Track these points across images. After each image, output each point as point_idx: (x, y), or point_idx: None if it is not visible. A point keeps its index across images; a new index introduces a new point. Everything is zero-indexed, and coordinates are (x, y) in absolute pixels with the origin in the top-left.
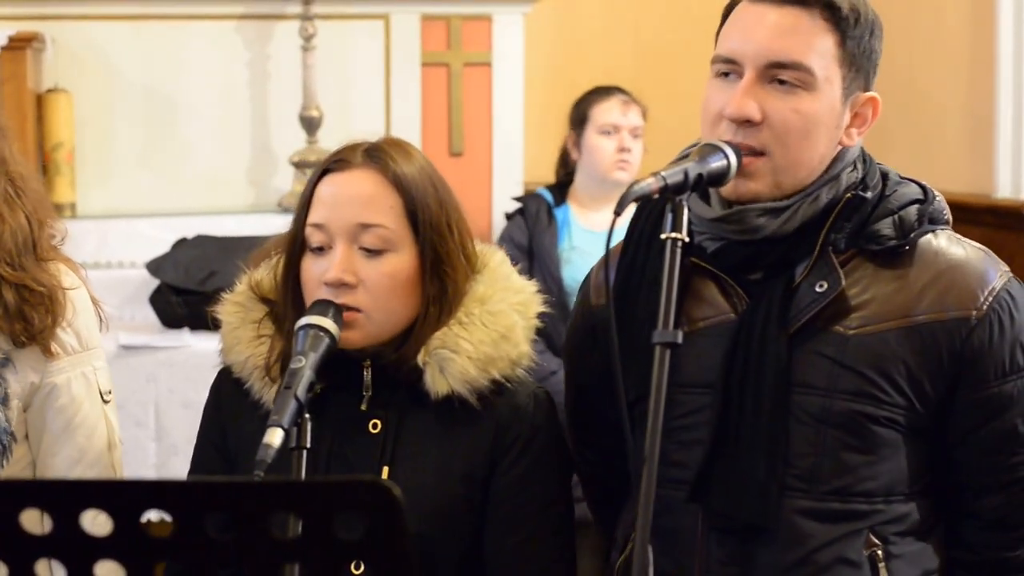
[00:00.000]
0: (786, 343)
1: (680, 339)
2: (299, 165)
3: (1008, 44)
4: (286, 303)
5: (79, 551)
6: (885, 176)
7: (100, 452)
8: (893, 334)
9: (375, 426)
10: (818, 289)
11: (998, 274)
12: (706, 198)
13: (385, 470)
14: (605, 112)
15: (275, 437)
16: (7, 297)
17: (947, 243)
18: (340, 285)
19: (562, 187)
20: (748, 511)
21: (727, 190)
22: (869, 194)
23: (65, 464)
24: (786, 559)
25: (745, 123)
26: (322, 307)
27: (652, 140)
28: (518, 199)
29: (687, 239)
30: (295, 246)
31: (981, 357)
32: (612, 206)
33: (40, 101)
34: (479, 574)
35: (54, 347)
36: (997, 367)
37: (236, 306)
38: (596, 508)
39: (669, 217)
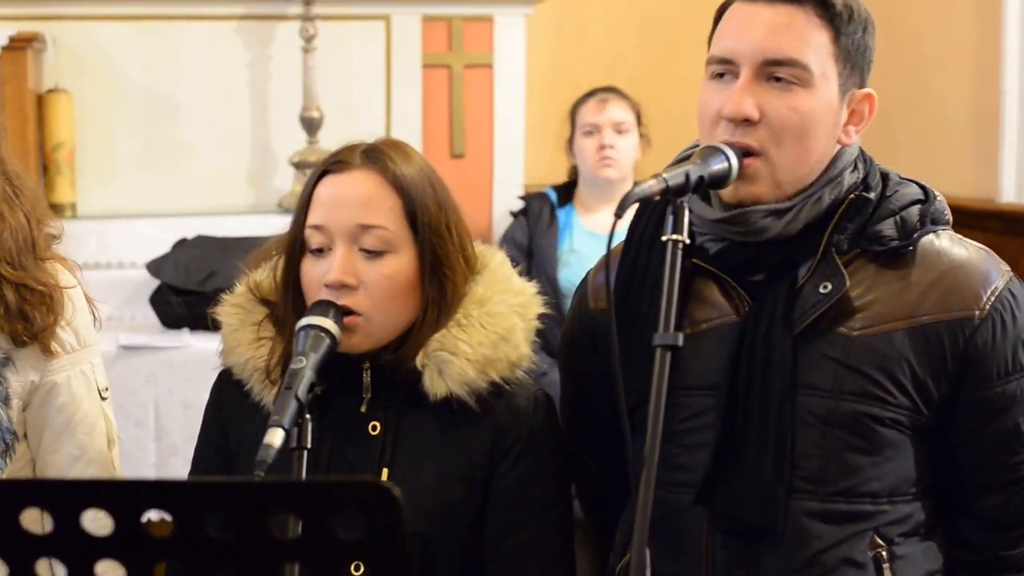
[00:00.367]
0: (791, 345)
1: (681, 341)
2: (299, 166)
3: (1014, 49)
4: (286, 305)
5: (80, 550)
6: (885, 177)
7: (100, 448)
8: (897, 335)
9: (374, 428)
10: (822, 290)
11: (1000, 274)
12: (707, 199)
13: (385, 471)
14: (584, 113)
15: (276, 437)
16: (8, 297)
17: (949, 243)
18: (341, 287)
19: (568, 188)
20: (755, 513)
21: (728, 194)
22: (871, 195)
23: (66, 461)
24: (792, 561)
25: (743, 122)
26: (323, 308)
27: (653, 140)
28: (523, 198)
29: (688, 241)
30: (294, 248)
31: (984, 356)
32: (611, 206)
33: (41, 101)
34: (478, 575)
35: (54, 346)
36: (1000, 366)
37: (236, 308)
38: (592, 513)
39: (670, 219)
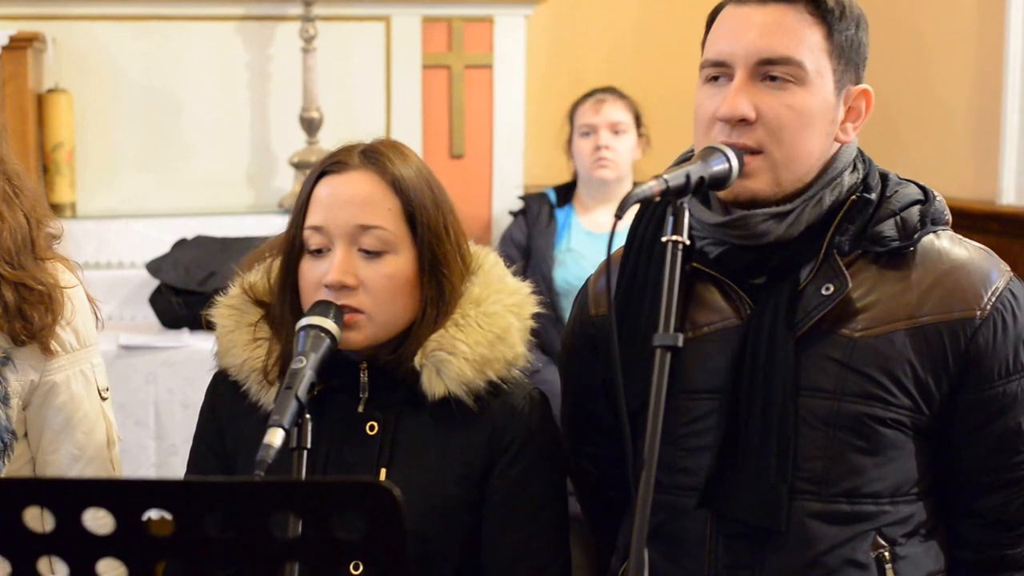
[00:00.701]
0: (793, 347)
1: (681, 342)
2: (299, 166)
3: (1017, 52)
4: (283, 306)
5: (81, 549)
6: (885, 177)
7: (99, 448)
8: (899, 335)
9: (372, 428)
10: (824, 292)
11: (1000, 273)
12: (706, 203)
13: (383, 472)
14: (581, 114)
15: (276, 437)
16: (7, 296)
17: (949, 244)
18: (341, 287)
19: (569, 188)
20: (758, 515)
21: (725, 191)
22: (872, 195)
23: (65, 461)
24: (795, 562)
25: (739, 122)
26: (323, 308)
27: (652, 141)
28: (523, 198)
29: (688, 242)
30: (293, 248)
31: (985, 356)
32: (610, 207)
33: (41, 101)
34: (476, 574)
35: (53, 345)
36: (1000, 366)
37: (231, 309)
38: (594, 517)
39: (670, 220)
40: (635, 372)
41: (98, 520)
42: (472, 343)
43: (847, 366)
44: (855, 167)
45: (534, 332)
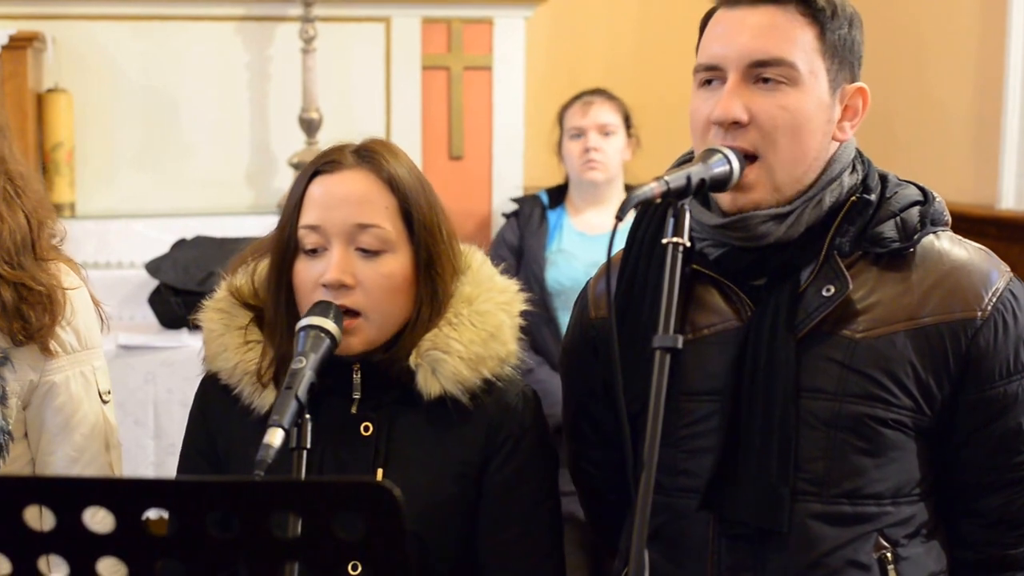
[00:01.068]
0: (794, 348)
1: (680, 344)
2: (298, 167)
3: (1017, 56)
4: (277, 306)
5: (82, 548)
6: (884, 178)
7: (97, 451)
8: (899, 336)
9: (366, 428)
10: (825, 293)
11: (1000, 274)
12: (706, 205)
13: (379, 472)
14: (569, 117)
15: (275, 437)
16: (5, 296)
17: (949, 244)
18: (339, 286)
19: (561, 190)
20: (760, 516)
21: (727, 204)
22: (872, 197)
23: (63, 463)
24: (797, 564)
25: (733, 125)
26: (323, 308)
27: (651, 145)
28: (515, 200)
29: (688, 244)
30: (287, 249)
31: (986, 357)
32: (601, 208)
33: (40, 101)
34: (472, 570)
35: (53, 346)
36: (1001, 367)
37: (219, 313)
38: (595, 519)
39: (670, 221)
40: (636, 374)
41: (96, 519)
42: (466, 342)
43: (848, 367)
44: (854, 168)
45: (525, 331)
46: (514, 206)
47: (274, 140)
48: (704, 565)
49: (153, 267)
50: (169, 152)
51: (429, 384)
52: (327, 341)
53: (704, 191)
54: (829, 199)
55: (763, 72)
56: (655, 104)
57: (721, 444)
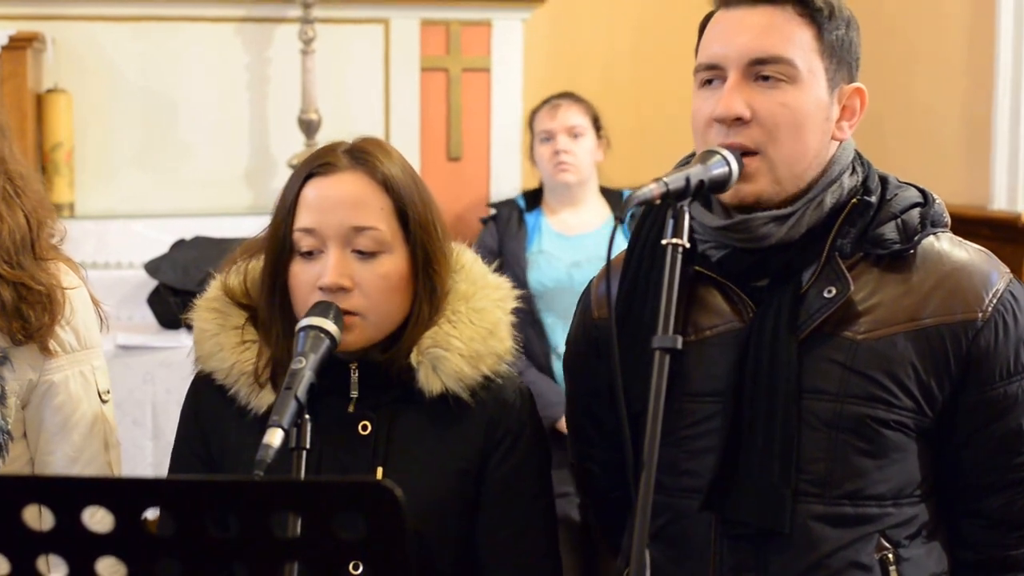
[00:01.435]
0: (796, 349)
1: (680, 344)
2: None
3: (1007, 57)
4: (272, 308)
5: (81, 547)
6: (884, 180)
7: (96, 451)
8: (900, 338)
9: (365, 428)
10: (826, 295)
11: (1000, 275)
12: (708, 206)
13: (379, 471)
14: (538, 121)
15: (275, 437)
16: (5, 295)
17: (950, 246)
18: (337, 289)
19: (537, 193)
20: (762, 517)
21: (729, 195)
22: (872, 198)
23: (62, 463)
24: (799, 564)
25: (735, 122)
26: (323, 309)
27: (650, 146)
28: (492, 205)
29: (688, 245)
30: (281, 251)
31: (986, 358)
32: (576, 209)
33: (40, 101)
34: (472, 567)
35: (52, 345)
36: (1002, 368)
37: (213, 312)
38: (599, 519)
39: (670, 223)
40: (637, 375)
41: (96, 519)
42: (466, 339)
43: (850, 368)
44: (854, 170)
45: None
46: (491, 211)
47: (273, 141)
48: (706, 565)
49: (152, 267)
50: (168, 152)
51: (430, 381)
52: (327, 342)
53: (704, 192)
54: (830, 200)
55: (763, 70)
56: (653, 106)
57: (723, 445)
